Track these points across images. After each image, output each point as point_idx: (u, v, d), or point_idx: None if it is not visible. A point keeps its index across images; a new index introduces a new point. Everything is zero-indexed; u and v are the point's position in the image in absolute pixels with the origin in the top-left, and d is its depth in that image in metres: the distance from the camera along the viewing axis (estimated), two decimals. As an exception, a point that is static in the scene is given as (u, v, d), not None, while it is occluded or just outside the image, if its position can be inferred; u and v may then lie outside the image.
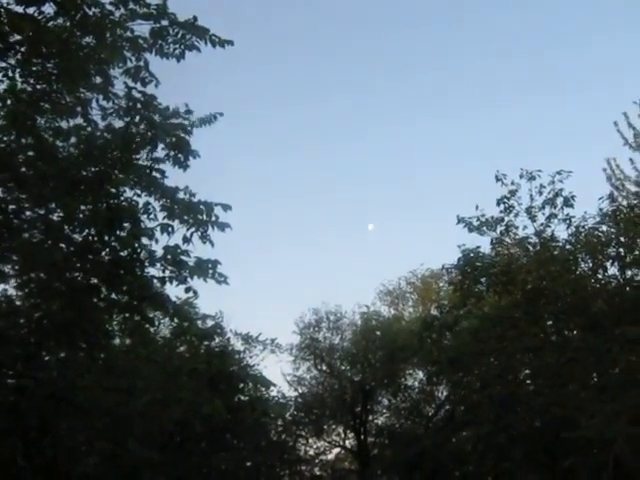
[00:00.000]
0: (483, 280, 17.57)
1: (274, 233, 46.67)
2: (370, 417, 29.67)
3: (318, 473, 30.41)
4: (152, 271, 11.10)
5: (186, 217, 10.81)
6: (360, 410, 29.08)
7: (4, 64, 9.69)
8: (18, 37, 9.33)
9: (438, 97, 46.70)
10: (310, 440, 30.02)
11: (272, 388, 24.50)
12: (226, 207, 10.82)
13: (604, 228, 16.69)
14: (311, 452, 30.15)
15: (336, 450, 31.16)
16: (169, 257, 10.81)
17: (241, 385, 22.45)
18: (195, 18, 9.86)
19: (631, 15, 39.00)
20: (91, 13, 9.28)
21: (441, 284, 29.09)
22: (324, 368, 29.80)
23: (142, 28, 9.95)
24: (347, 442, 30.48)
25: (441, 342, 19.30)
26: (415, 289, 32.01)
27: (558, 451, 15.50)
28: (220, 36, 9.90)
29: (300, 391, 29.95)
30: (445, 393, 27.06)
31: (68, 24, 9.40)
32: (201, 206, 10.79)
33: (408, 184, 47.23)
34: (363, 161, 48.46)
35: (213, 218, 10.77)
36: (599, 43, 42.41)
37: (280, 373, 29.56)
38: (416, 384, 29.07)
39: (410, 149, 48.16)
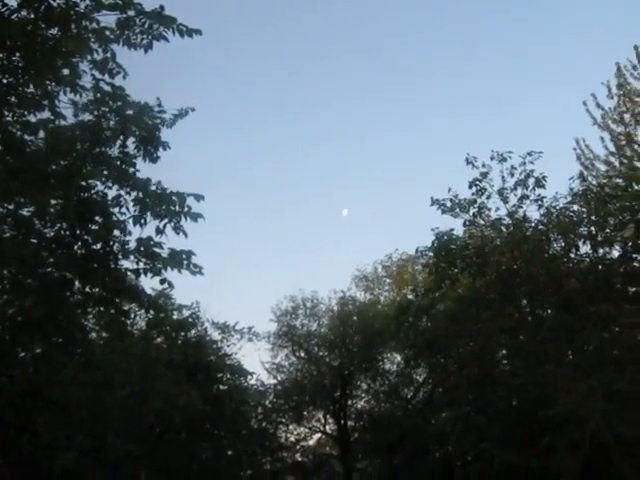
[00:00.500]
0: (457, 262, 17.65)
1: (249, 222, 46.74)
2: (349, 402, 29.83)
3: (300, 459, 30.57)
4: (126, 264, 11.04)
5: (158, 209, 10.73)
6: (339, 395, 29.22)
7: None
8: (-19, 31, 9.20)
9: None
10: (290, 427, 30.19)
11: (250, 376, 24.67)
12: (199, 197, 10.73)
13: (575, 208, 16.80)
14: (292, 438, 30.34)
15: (317, 436, 31.39)
16: (142, 249, 10.72)
17: (219, 375, 22.49)
18: (162, 7, 9.74)
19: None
20: (55, 4, 9.14)
21: (416, 267, 29.26)
22: (302, 355, 29.88)
23: (108, 19, 9.84)
24: (327, 427, 30.67)
25: (417, 325, 19.34)
26: (390, 273, 32.16)
27: (535, 429, 15.64)
28: (188, 25, 9.81)
29: (279, 378, 30.05)
30: (423, 376, 27.24)
31: (32, 16, 9.26)
32: (173, 197, 10.68)
33: (382, 168, 47.48)
34: (335, 147, 48.58)
35: (186, 209, 10.68)
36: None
37: (258, 361, 29.69)
38: (394, 367, 29.27)
39: (383, 133, 48.30)
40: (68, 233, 10.69)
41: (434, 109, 47.55)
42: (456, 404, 19.25)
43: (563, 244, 16.93)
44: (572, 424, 14.42)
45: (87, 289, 11.36)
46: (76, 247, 10.79)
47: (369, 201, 48.11)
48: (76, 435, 13.71)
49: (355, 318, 28.20)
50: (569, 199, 16.94)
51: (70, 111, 10.81)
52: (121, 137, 11.11)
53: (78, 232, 10.60)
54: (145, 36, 9.94)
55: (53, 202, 10.73)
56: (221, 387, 22.86)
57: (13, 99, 10.29)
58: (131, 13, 9.74)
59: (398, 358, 28.48)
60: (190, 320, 21.77)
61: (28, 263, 10.50)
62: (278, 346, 29.88)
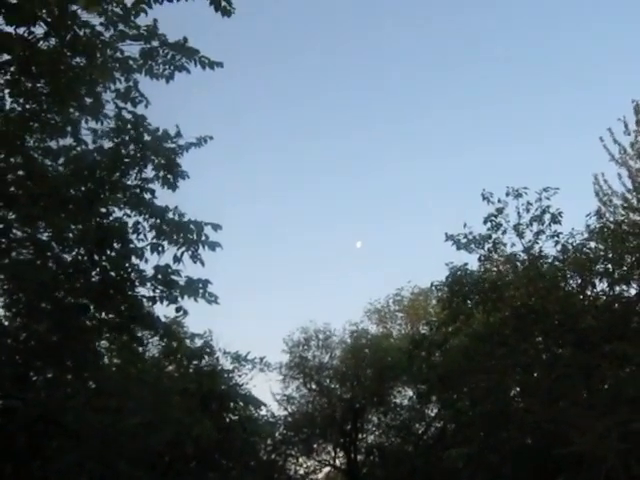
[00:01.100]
0: (472, 297, 17.58)
1: (262, 252, 46.81)
2: (360, 435, 29.55)
3: (308, 492, 30.25)
4: (142, 291, 11.06)
5: (176, 236, 10.79)
6: (350, 428, 28.98)
7: (-6, 83, 9.69)
8: (8, 57, 9.35)
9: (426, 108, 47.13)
10: (300, 459, 29.89)
11: (262, 407, 24.47)
12: (216, 227, 10.79)
13: (592, 244, 16.77)
14: (301, 471, 30.00)
15: (326, 469, 31.07)
16: (159, 277, 10.75)
17: (232, 404, 22.33)
18: (185, 39, 9.90)
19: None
20: (81, 34, 9.30)
21: (430, 301, 29.14)
22: (313, 387, 29.71)
23: (132, 49, 10.01)
24: (337, 461, 30.37)
25: (430, 360, 19.23)
26: (403, 307, 32.02)
27: (550, 468, 15.48)
28: (210, 57, 9.95)
29: (289, 410, 29.84)
30: (435, 411, 27.00)
31: (58, 44, 9.42)
32: (191, 225, 10.76)
33: (396, 201, 47.58)
34: (350, 179, 48.76)
35: (203, 237, 10.74)
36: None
37: (269, 392, 29.51)
38: (406, 402, 29.04)
39: (399, 165, 48.47)
40: (86, 259, 10.73)
41: (450, 143, 47.69)
42: (468, 441, 19.03)
43: (579, 281, 16.86)
44: (587, 464, 14.25)
45: (102, 315, 11.39)
46: (94, 273, 10.83)
47: (383, 234, 48.13)
48: (88, 461, 13.63)
49: (367, 351, 28.05)
50: (586, 236, 16.92)
51: (90, 138, 10.96)
52: (140, 164, 11.20)
53: (96, 258, 10.64)
54: (167, 67, 10.10)
55: (72, 227, 10.79)
56: (232, 417, 22.70)
57: (36, 125, 10.43)
58: (155, 44, 9.91)
59: (410, 393, 28.32)
60: (203, 349, 21.69)
61: (46, 287, 10.54)
62: (289, 377, 29.76)
